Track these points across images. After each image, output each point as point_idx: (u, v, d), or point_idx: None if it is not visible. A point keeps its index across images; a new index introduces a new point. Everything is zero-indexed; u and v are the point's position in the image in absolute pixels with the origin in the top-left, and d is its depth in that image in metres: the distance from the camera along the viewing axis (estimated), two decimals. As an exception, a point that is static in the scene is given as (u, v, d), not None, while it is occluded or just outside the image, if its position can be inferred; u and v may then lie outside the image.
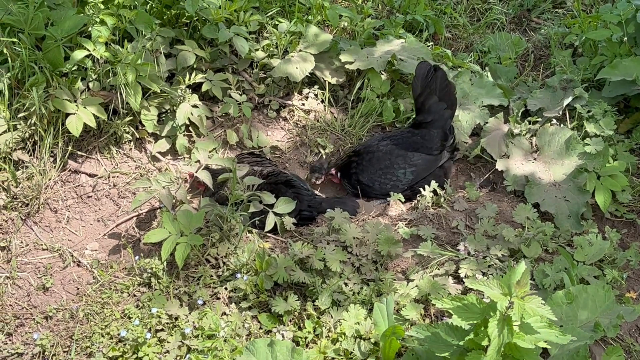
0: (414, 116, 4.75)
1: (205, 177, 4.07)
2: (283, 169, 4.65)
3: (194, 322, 3.49)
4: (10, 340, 3.58)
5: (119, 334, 3.47)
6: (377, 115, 5.04)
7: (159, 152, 4.58)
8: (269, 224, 4.02)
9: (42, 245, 4.02)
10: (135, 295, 3.73)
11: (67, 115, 4.16)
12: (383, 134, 4.86)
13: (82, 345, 3.49)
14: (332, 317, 3.50)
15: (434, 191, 4.39)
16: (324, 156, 4.83)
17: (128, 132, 4.51)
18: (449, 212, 4.29)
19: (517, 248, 3.96)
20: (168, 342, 3.41)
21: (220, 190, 4.19)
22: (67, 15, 4.23)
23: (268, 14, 5.33)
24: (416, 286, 3.65)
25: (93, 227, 4.19)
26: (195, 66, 4.78)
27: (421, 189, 4.39)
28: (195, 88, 4.82)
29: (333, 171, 4.64)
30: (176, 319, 3.52)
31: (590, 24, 5.87)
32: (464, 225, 4.18)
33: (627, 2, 5.58)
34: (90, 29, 4.31)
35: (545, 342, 2.75)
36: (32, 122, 4.17)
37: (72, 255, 3.97)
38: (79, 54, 4.19)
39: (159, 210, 4.19)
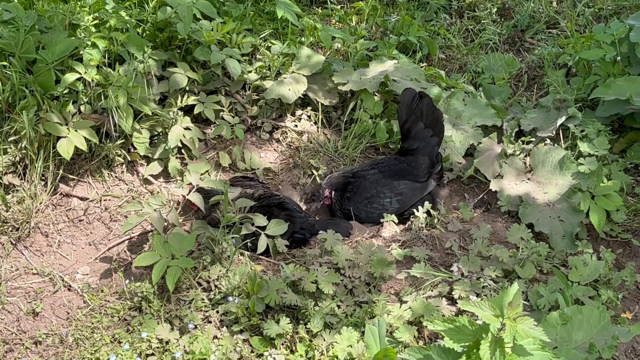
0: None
1: (197, 200, 4.08)
2: (276, 191, 4.65)
3: (184, 346, 3.48)
4: (-1, 366, 3.57)
5: (108, 359, 3.45)
6: (370, 136, 5.05)
7: (151, 175, 4.59)
8: (261, 246, 4.02)
9: (32, 269, 4.01)
10: (125, 320, 3.71)
11: (58, 138, 4.17)
12: (372, 160, 4.85)
13: (71, 371, 3.47)
14: (324, 340, 3.48)
15: (428, 212, 4.39)
16: (317, 178, 4.83)
17: (120, 155, 4.52)
18: (443, 233, 4.29)
19: (511, 269, 3.95)
20: (158, 366, 3.40)
21: (212, 213, 4.18)
22: (58, 39, 4.26)
23: (261, 36, 5.37)
24: (409, 308, 3.64)
25: (84, 251, 4.19)
26: (187, 88, 4.80)
27: (415, 210, 4.39)
28: (188, 110, 4.85)
29: (327, 192, 4.63)
30: (167, 343, 3.51)
31: (583, 44, 5.91)
32: (458, 246, 4.17)
33: (620, 21, 5.62)
34: (81, 52, 4.34)
35: (539, 363, 2.73)
36: (23, 145, 4.18)
37: (62, 280, 3.96)
38: (70, 77, 4.21)
39: (150, 234, 4.19)
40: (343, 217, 4.61)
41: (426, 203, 4.41)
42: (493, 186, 4.65)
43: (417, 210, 4.37)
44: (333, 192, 4.63)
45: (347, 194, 4.57)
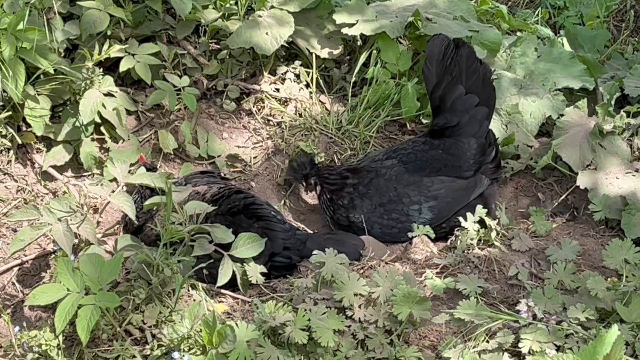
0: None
1: (124, 204, 4.07)
2: (246, 190, 4.65)
3: None
4: None
5: None
6: (392, 106, 5.07)
7: (54, 166, 4.60)
8: (224, 274, 4.02)
9: None
10: (14, 389, 3.73)
11: None
12: (391, 147, 4.87)
13: None
14: (322, 419, 3.50)
15: (481, 222, 4.40)
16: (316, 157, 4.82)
17: (5, 136, 4.53)
18: (505, 253, 4.30)
19: (609, 308, 3.96)
20: None
21: (147, 224, 4.19)
22: None
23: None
24: (453, 368, 3.66)
25: (-50, 284, 4.21)
26: (109, 33, 4.81)
27: (460, 219, 4.39)
28: (110, 67, 4.86)
29: (312, 181, 4.69)
30: None
31: None
32: (528, 273, 4.18)
33: None
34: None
35: None
36: None
37: None
38: None
39: (52, 256, 4.19)
40: (349, 229, 4.64)
41: (478, 207, 4.41)
42: (582, 182, 4.66)
43: (465, 220, 4.38)
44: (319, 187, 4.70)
45: (351, 196, 4.58)
